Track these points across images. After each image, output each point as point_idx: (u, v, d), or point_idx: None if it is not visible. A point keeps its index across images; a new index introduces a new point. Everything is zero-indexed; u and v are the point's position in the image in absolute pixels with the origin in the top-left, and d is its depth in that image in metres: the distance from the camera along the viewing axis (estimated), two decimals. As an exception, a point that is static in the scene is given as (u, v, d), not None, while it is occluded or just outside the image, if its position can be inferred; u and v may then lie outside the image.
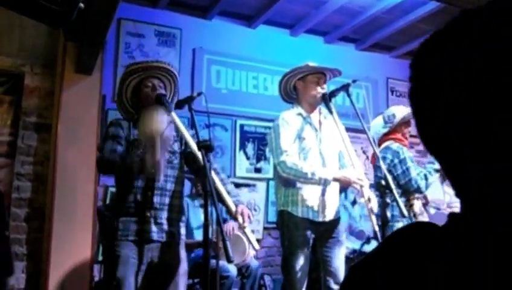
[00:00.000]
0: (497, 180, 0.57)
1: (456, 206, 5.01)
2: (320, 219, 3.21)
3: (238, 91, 5.34)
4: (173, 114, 2.76)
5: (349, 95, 3.21)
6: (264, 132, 5.25)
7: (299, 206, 3.19)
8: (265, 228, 5.27)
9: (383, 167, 3.08)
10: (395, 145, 3.75)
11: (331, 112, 3.25)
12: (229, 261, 2.36)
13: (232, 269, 3.94)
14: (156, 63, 2.95)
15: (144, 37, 4.95)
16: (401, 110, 3.86)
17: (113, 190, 3.87)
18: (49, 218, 4.04)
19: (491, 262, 0.54)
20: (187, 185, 4.35)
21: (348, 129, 3.32)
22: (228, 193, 2.76)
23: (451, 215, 0.63)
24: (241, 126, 5.31)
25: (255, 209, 5.17)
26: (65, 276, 3.95)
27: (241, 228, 2.76)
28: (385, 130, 3.84)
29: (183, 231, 2.93)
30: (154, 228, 2.75)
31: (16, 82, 4.30)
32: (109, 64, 4.65)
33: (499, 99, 0.55)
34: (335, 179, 3.18)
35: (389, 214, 3.02)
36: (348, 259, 4.48)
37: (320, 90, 3.28)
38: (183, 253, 2.90)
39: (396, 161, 3.69)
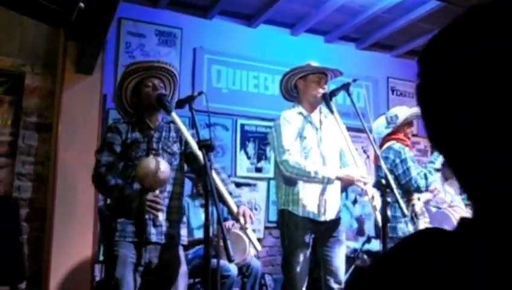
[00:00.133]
0: (500, 176, 0.57)
1: (457, 205, 5.01)
2: (321, 218, 3.21)
3: (238, 91, 5.34)
4: (173, 114, 2.76)
5: (349, 95, 3.21)
6: (265, 131, 5.25)
7: (300, 205, 3.19)
8: (266, 228, 5.27)
9: (384, 166, 3.08)
10: (397, 146, 3.77)
11: (331, 111, 3.25)
12: (230, 260, 2.35)
13: (233, 269, 3.94)
14: (157, 63, 2.94)
15: (144, 37, 4.95)
16: (404, 111, 3.89)
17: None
18: (50, 218, 4.04)
19: (494, 261, 0.54)
20: (187, 185, 4.35)
21: (348, 128, 3.32)
22: (230, 193, 2.75)
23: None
24: (242, 126, 5.31)
25: (255, 209, 5.17)
26: (66, 276, 3.95)
27: (243, 229, 2.75)
28: (388, 131, 3.87)
29: (183, 232, 2.92)
30: (152, 230, 2.74)
31: (16, 82, 4.30)
32: (110, 64, 4.65)
33: (503, 96, 0.55)
34: (338, 178, 3.18)
35: (389, 213, 3.02)
36: (348, 258, 4.49)
37: (320, 90, 3.28)
38: (182, 254, 2.90)
39: (397, 160, 3.71)
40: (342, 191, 3.51)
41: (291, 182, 3.24)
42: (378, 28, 5.60)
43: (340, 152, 3.41)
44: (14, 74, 4.30)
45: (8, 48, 4.29)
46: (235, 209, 2.71)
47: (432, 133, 0.65)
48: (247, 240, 4.03)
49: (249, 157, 5.30)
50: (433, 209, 4.51)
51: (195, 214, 4.27)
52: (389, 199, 2.90)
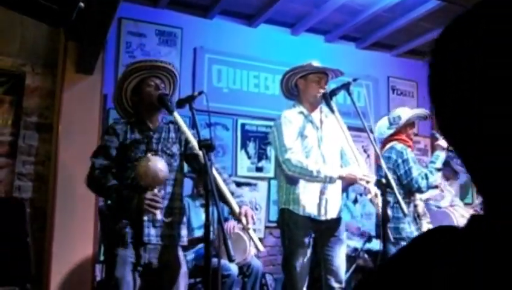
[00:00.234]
0: (500, 176, 0.56)
1: (458, 204, 5.01)
2: (322, 218, 3.21)
3: (239, 90, 5.34)
4: (175, 114, 2.76)
5: (350, 94, 3.21)
6: (266, 131, 5.25)
7: (301, 204, 3.19)
8: (266, 227, 5.27)
9: (384, 165, 3.09)
10: (399, 146, 3.81)
11: (332, 110, 3.24)
12: (231, 260, 2.36)
13: (233, 268, 3.94)
14: (160, 62, 2.94)
15: (145, 37, 4.95)
16: (407, 112, 3.93)
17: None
18: (51, 218, 4.04)
19: (493, 261, 0.54)
20: (188, 185, 4.35)
21: (348, 128, 3.32)
22: (232, 193, 2.75)
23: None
24: (243, 125, 5.31)
25: (256, 208, 5.17)
26: (67, 276, 3.95)
27: (245, 229, 2.75)
28: (390, 131, 3.91)
29: (184, 232, 2.92)
30: (152, 232, 2.74)
31: (16, 82, 4.30)
32: (110, 64, 4.65)
33: (503, 96, 0.55)
34: (340, 177, 3.18)
35: (391, 213, 3.02)
36: (349, 257, 4.49)
37: (320, 90, 3.28)
38: (182, 254, 2.90)
39: (399, 160, 3.75)
40: (343, 191, 3.51)
41: (292, 181, 3.24)
42: (379, 27, 5.59)
43: (341, 151, 3.41)
44: (15, 73, 4.31)
45: (8, 48, 4.30)
46: (237, 209, 2.70)
47: (442, 130, 0.65)
48: (247, 240, 4.04)
49: (249, 157, 5.30)
50: (434, 209, 4.52)
51: (196, 214, 4.27)
52: (389, 199, 2.90)
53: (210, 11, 5.12)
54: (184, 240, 2.92)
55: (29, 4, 2.11)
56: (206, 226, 2.38)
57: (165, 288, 2.80)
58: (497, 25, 0.57)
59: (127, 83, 2.89)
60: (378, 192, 3.12)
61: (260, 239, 4.94)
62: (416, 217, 3.80)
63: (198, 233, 4.12)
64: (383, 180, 2.85)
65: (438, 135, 4.04)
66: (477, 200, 5.36)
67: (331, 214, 3.25)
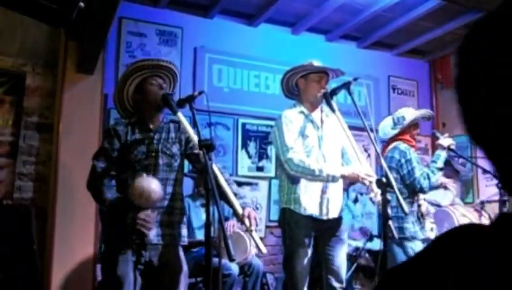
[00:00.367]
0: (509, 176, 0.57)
1: (458, 203, 5.01)
2: (324, 217, 3.21)
3: (239, 90, 5.34)
4: (180, 114, 2.75)
5: (350, 93, 3.20)
6: (266, 130, 5.25)
7: (302, 204, 3.19)
8: (267, 227, 5.28)
9: (384, 164, 3.09)
10: (402, 146, 3.83)
11: (333, 110, 3.24)
12: (231, 259, 2.35)
13: (234, 268, 3.94)
14: (163, 62, 2.93)
15: (145, 36, 4.95)
16: (411, 113, 3.95)
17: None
18: (52, 218, 4.04)
19: (496, 261, 0.54)
20: (189, 185, 4.35)
21: (349, 127, 3.31)
22: (235, 194, 2.75)
23: (501, 214, 0.61)
24: (243, 125, 5.31)
25: (256, 208, 5.17)
26: (68, 275, 3.95)
27: (248, 231, 2.74)
28: (395, 131, 3.93)
29: (184, 232, 2.92)
30: (153, 232, 2.74)
31: (17, 82, 4.30)
32: (110, 64, 4.65)
33: (507, 96, 0.55)
34: (342, 176, 3.18)
35: (391, 213, 3.02)
36: (350, 257, 4.49)
37: (321, 90, 3.28)
38: (183, 254, 2.89)
39: (403, 160, 3.77)
40: (344, 190, 3.51)
41: (293, 181, 3.24)
42: (379, 26, 5.59)
43: (342, 150, 3.41)
44: (15, 74, 4.30)
45: (8, 48, 4.30)
46: (240, 210, 2.70)
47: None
48: (248, 240, 4.04)
49: (250, 157, 5.30)
50: (432, 209, 4.51)
51: (197, 214, 4.27)
52: (390, 198, 2.90)
53: (210, 11, 5.12)
54: (185, 240, 2.92)
55: (29, 4, 2.11)
56: (207, 225, 2.38)
57: (165, 287, 2.80)
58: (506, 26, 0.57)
59: (130, 81, 2.87)
60: (379, 191, 3.12)
61: (261, 239, 4.93)
62: (420, 217, 3.80)
63: (199, 233, 4.12)
64: (383, 180, 2.85)
65: (438, 134, 4.04)
66: (478, 200, 5.35)
67: (333, 214, 3.25)
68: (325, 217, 3.21)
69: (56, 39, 4.40)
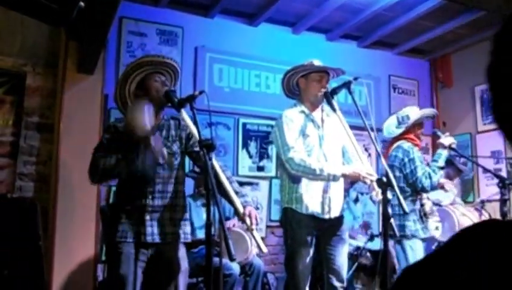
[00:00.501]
0: None
1: (459, 203, 5.01)
2: (326, 216, 3.21)
3: (240, 89, 5.34)
4: (183, 111, 2.74)
5: (351, 93, 3.20)
6: (267, 130, 5.25)
7: (304, 203, 3.18)
8: (268, 226, 5.27)
9: (385, 164, 3.09)
10: (406, 145, 3.85)
11: (334, 109, 3.24)
12: (232, 259, 2.35)
13: (235, 267, 3.94)
14: (166, 59, 2.91)
15: (145, 36, 4.95)
16: (415, 112, 3.97)
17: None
18: (52, 218, 4.04)
19: (497, 260, 0.54)
20: (189, 185, 4.35)
21: (350, 127, 3.31)
22: (236, 192, 2.74)
23: None
24: (244, 125, 5.30)
25: (257, 208, 5.17)
26: (69, 276, 3.96)
27: (249, 230, 2.74)
28: (399, 131, 3.94)
29: (188, 229, 2.92)
30: (155, 230, 2.73)
31: (17, 82, 4.30)
32: (111, 64, 4.65)
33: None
34: (343, 175, 3.18)
35: (391, 210, 3.02)
36: (351, 256, 4.49)
37: (322, 89, 3.28)
38: (183, 251, 2.89)
39: (406, 159, 3.79)
40: (345, 190, 3.51)
41: (295, 180, 3.23)
42: (380, 26, 5.59)
43: (343, 149, 3.41)
44: (16, 73, 4.30)
45: (9, 47, 4.30)
46: (241, 209, 2.69)
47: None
48: (249, 239, 4.03)
49: (250, 156, 5.30)
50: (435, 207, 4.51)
51: (197, 214, 4.27)
52: (390, 197, 2.90)
53: (211, 10, 5.12)
54: (188, 237, 2.91)
55: (29, 4, 2.11)
56: (208, 225, 2.38)
57: (164, 285, 2.80)
58: None
59: (132, 77, 2.85)
60: (380, 190, 3.11)
61: (262, 238, 4.94)
62: (423, 216, 3.80)
63: (200, 233, 4.12)
64: (384, 179, 2.85)
65: (440, 133, 4.04)
66: (478, 199, 5.35)
67: (334, 213, 3.25)
68: (326, 216, 3.21)
69: (56, 39, 4.40)
